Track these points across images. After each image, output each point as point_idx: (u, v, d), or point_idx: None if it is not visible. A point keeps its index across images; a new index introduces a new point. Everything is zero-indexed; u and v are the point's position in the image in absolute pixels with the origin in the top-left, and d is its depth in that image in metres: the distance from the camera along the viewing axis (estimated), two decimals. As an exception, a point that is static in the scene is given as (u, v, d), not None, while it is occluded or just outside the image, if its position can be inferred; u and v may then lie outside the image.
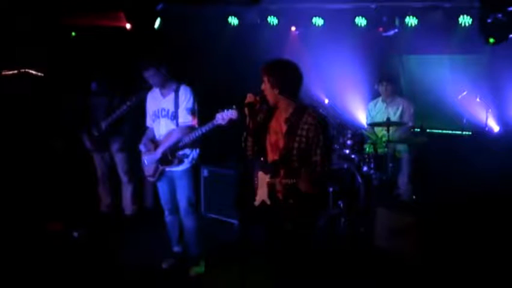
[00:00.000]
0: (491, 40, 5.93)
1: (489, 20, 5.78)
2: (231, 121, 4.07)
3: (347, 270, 4.53)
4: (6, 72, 7.10)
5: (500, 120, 7.12)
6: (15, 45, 6.80)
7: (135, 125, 5.74)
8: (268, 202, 3.46)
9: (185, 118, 4.46)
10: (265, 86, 3.42)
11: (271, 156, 3.50)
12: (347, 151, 5.97)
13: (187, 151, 4.49)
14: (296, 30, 7.95)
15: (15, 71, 7.17)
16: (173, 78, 4.54)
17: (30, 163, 6.63)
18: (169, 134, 4.49)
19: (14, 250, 5.07)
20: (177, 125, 4.47)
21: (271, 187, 3.43)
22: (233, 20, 7.72)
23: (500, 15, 5.71)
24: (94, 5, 6.82)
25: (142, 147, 4.65)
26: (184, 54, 6.85)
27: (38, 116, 6.82)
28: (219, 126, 4.17)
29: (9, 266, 4.71)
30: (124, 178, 5.95)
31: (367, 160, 5.85)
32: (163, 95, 4.55)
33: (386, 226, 4.99)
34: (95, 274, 4.62)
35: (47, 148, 6.69)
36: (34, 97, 6.96)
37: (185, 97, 4.47)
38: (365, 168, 5.86)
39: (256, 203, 3.55)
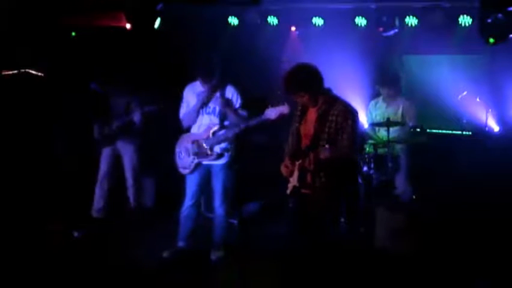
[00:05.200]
0: (491, 40, 5.91)
1: (489, 20, 5.76)
2: (281, 116, 4.21)
3: (347, 270, 4.52)
4: (6, 72, 7.10)
5: (500, 120, 7.12)
6: (15, 45, 6.80)
7: (146, 127, 5.76)
8: (298, 185, 3.71)
9: (244, 112, 4.66)
10: (301, 99, 3.76)
11: (304, 144, 3.79)
12: (347, 151, 5.97)
13: (228, 145, 4.64)
14: (296, 30, 7.96)
15: (15, 71, 7.17)
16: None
17: (31, 163, 6.63)
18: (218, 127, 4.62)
19: (14, 250, 5.06)
20: (221, 121, 4.62)
21: (301, 170, 3.69)
22: (233, 20, 7.72)
23: (500, 15, 5.70)
24: (94, 5, 6.83)
25: (189, 146, 4.67)
26: (183, 54, 6.85)
27: (38, 116, 6.82)
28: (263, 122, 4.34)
29: (9, 266, 4.70)
30: (128, 174, 5.87)
31: (367, 160, 5.84)
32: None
33: (386, 226, 4.99)
34: (95, 274, 4.61)
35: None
36: (34, 97, 6.96)
37: (235, 94, 4.68)
38: (365, 168, 5.85)
39: (288, 190, 3.82)
